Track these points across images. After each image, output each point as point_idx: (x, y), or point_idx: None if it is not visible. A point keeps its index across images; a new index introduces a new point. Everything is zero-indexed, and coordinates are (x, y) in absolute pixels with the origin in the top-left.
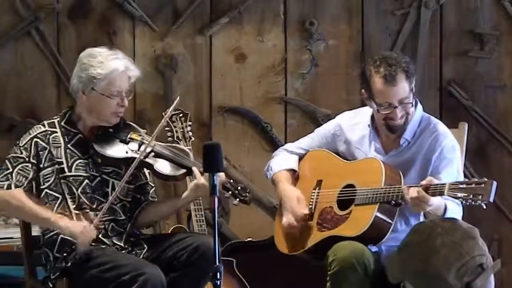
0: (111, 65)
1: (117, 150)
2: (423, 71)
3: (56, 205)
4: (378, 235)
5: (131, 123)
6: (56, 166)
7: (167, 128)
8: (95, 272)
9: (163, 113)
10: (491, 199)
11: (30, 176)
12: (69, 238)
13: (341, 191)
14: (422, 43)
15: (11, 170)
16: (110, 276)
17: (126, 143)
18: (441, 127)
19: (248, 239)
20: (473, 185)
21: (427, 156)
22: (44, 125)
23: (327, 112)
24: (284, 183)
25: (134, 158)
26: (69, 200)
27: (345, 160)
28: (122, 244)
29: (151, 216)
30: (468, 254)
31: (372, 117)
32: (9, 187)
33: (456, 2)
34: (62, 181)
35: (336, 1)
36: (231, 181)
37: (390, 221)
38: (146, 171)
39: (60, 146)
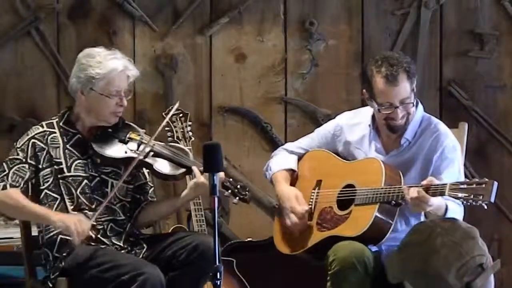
0: (109, 65)
1: (116, 150)
2: (423, 71)
3: (56, 205)
4: (378, 235)
5: (130, 123)
6: (55, 166)
7: (167, 128)
8: (95, 272)
9: (163, 113)
10: (492, 199)
11: (27, 176)
12: (68, 238)
13: (341, 191)
14: (422, 43)
15: (7, 171)
16: (110, 276)
17: (125, 143)
18: (442, 127)
19: (248, 239)
20: (474, 186)
21: (428, 156)
22: (42, 126)
23: (327, 112)
24: (282, 183)
25: (133, 158)
26: (67, 201)
27: (344, 160)
28: (121, 244)
29: (150, 216)
30: (468, 254)
31: (373, 117)
32: (4, 188)
33: (456, 2)
34: (61, 181)
35: (336, 1)
36: (230, 179)
37: (390, 221)
38: (145, 171)
39: (59, 147)
